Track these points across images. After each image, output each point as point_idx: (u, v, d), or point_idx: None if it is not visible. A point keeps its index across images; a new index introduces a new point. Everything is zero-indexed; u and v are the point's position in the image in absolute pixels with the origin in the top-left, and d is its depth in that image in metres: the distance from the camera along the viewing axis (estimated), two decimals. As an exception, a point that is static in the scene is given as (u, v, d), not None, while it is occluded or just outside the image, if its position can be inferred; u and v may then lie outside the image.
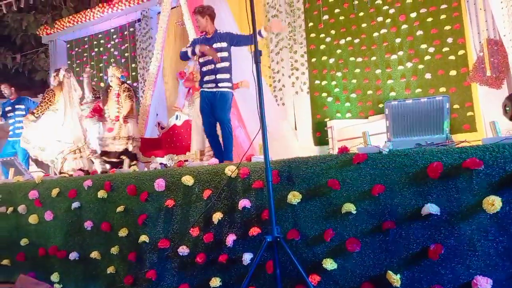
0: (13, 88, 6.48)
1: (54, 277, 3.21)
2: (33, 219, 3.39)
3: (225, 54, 3.68)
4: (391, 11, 5.76)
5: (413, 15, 5.60)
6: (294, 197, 2.23)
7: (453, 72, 5.27)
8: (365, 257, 2.04)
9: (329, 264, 2.07)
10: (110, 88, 5.01)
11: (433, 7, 5.46)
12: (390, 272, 1.93)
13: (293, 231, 2.22)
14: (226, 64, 3.68)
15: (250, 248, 2.39)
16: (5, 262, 3.54)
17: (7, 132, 6.46)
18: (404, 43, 5.67)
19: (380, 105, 5.77)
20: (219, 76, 3.66)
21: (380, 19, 5.85)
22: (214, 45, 3.64)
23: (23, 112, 6.35)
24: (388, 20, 5.79)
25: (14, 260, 3.51)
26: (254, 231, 2.34)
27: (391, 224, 1.99)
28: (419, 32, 5.53)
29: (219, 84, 3.67)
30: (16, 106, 6.39)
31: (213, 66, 3.66)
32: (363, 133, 2.20)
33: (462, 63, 5.23)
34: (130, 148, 4.84)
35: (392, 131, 2.23)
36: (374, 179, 2.07)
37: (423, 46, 5.50)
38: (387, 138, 2.28)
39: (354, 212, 2.07)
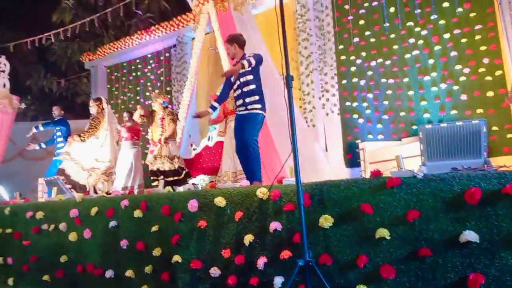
0: (62, 112, 6.86)
1: (91, 294, 3.32)
2: (72, 236, 3.54)
3: (249, 77, 3.76)
4: (424, 32, 5.72)
5: (447, 36, 5.53)
6: (326, 221, 2.22)
7: (490, 93, 5.11)
8: (400, 285, 1.98)
9: (363, 291, 2.03)
10: (154, 112, 5.28)
11: (468, 28, 5.37)
12: (427, 301, 1.87)
13: (325, 255, 2.20)
14: (252, 86, 3.77)
15: (281, 272, 2.37)
16: (46, 277, 3.70)
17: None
18: (437, 64, 5.59)
19: (414, 127, 5.67)
20: (247, 99, 3.75)
21: (412, 40, 5.81)
22: (240, 71, 3.75)
23: (60, 133, 6.71)
24: (421, 42, 5.74)
25: (54, 276, 3.65)
26: (286, 254, 2.33)
27: (428, 251, 1.93)
28: (453, 53, 5.44)
29: (249, 107, 3.76)
30: (57, 128, 6.77)
31: (239, 91, 3.78)
32: (396, 157, 2.18)
33: (499, 84, 5.07)
34: (177, 167, 5.01)
35: (426, 155, 2.20)
36: (409, 204, 2.03)
37: (458, 67, 5.39)
38: (422, 162, 2.24)
39: (388, 237, 2.03)
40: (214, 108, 4.03)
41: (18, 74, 11.79)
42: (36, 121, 11.22)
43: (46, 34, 8.80)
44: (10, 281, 3.99)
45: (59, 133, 6.71)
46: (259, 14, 7.19)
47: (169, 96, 8.25)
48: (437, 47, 5.60)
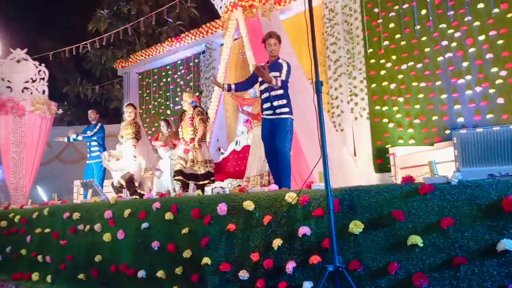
0: (98, 115, 7.14)
1: (123, 293, 3.42)
2: (107, 237, 3.66)
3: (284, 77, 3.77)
4: (457, 34, 5.56)
5: (482, 38, 5.35)
6: (356, 227, 2.20)
7: (529, 97, 4.90)
8: (434, 293, 1.94)
9: (394, 298, 1.99)
10: (185, 112, 5.29)
11: (504, 29, 5.18)
12: (462, 311, 1.82)
13: (355, 261, 2.18)
14: (280, 91, 3.78)
15: (310, 277, 2.36)
16: (81, 276, 3.83)
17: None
18: (472, 67, 5.42)
19: (447, 131, 5.50)
20: (275, 103, 3.76)
21: (444, 43, 5.66)
22: (278, 76, 3.76)
23: (96, 137, 6.97)
24: (454, 44, 5.58)
25: (89, 275, 3.78)
26: (315, 259, 2.32)
27: (463, 259, 1.88)
28: (489, 55, 5.26)
29: (277, 111, 3.77)
30: (92, 133, 7.04)
31: (267, 94, 3.79)
32: (429, 162, 2.13)
33: (539, 87, 4.86)
34: (211, 170, 5.06)
35: (461, 161, 2.14)
36: (442, 211, 1.98)
37: (494, 69, 5.20)
38: (456, 168, 2.18)
39: (421, 244, 1.98)
40: (229, 88, 4.00)
41: (56, 81, 12.40)
42: (72, 126, 11.74)
43: (82, 43, 9.21)
44: (48, 279, 4.16)
45: (94, 138, 6.97)
46: (286, 19, 7.22)
47: (196, 94, 8.37)
48: (471, 49, 5.43)
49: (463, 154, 2.17)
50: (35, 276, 4.32)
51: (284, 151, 3.68)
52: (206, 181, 4.97)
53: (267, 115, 3.83)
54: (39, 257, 4.36)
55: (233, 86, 4.03)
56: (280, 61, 3.83)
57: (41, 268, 4.35)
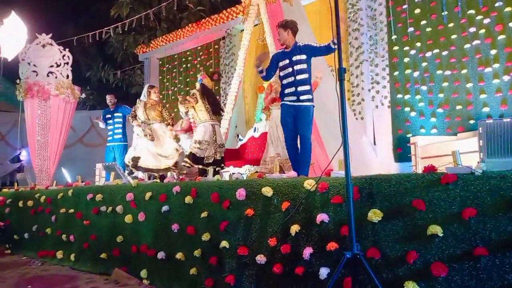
0: (116, 99, 7.31)
1: (143, 273, 3.51)
2: (128, 218, 3.78)
3: (303, 66, 3.71)
4: (486, 21, 5.35)
5: (512, 24, 5.14)
6: (375, 215, 2.19)
7: (560, 87, 4.70)
8: (452, 283, 1.92)
9: (412, 287, 1.99)
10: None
11: (537, 15, 4.95)
12: (481, 302, 1.80)
13: (373, 249, 2.18)
14: (305, 76, 3.72)
15: (327, 263, 2.38)
16: (103, 255, 3.98)
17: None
18: (500, 55, 5.22)
19: (471, 121, 5.36)
20: (299, 88, 3.71)
21: (472, 29, 5.46)
22: (294, 58, 3.72)
23: (121, 119, 7.13)
24: (482, 31, 5.38)
25: (111, 255, 3.92)
26: (332, 246, 2.33)
27: (484, 250, 1.85)
28: (519, 43, 5.05)
29: (301, 97, 3.72)
30: (115, 114, 7.20)
31: (292, 78, 3.73)
32: (453, 152, 2.09)
33: None
34: (194, 151, 4.79)
35: (486, 152, 2.09)
36: (465, 202, 1.95)
37: (524, 58, 5.00)
38: (480, 158, 2.13)
39: (441, 235, 1.96)
40: (261, 71, 3.88)
41: (79, 66, 12.63)
42: (94, 110, 11.99)
43: (105, 28, 9.31)
44: (72, 257, 4.34)
45: (119, 120, 7.13)
46: (308, 4, 7.10)
47: (216, 88, 8.35)
48: (500, 37, 5.23)
49: (488, 144, 2.11)
50: (59, 254, 4.51)
51: (309, 140, 3.67)
52: (186, 161, 4.77)
53: (290, 101, 3.77)
54: (64, 236, 4.53)
55: (264, 73, 3.94)
56: (301, 44, 3.78)
57: (65, 246, 4.53)
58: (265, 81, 4.40)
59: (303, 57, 3.72)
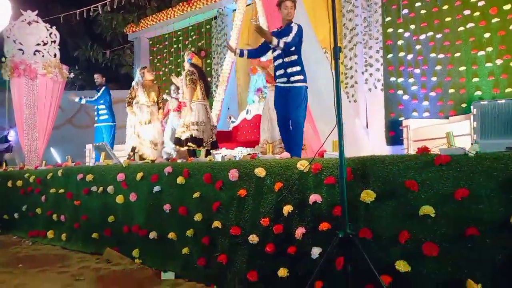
0: (104, 78, 7.16)
1: (135, 253, 3.52)
2: (119, 199, 3.75)
3: (292, 48, 3.68)
4: (481, 3, 5.32)
5: (507, 7, 5.13)
6: (368, 196, 2.19)
7: (552, 71, 4.73)
8: (443, 262, 1.95)
9: (403, 266, 2.01)
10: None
11: (532, -2, 4.93)
12: (470, 280, 1.83)
13: (365, 229, 2.19)
14: (294, 57, 3.69)
15: (319, 243, 2.39)
16: (95, 235, 3.96)
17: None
18: (494, 38, 5.22)
19: (463, 105, 5.39)
20: (289, 69, 3.69)
21: (467, 12, 5.43)
22: (284, 38, 3.65)
23: (102, 101, 7.00)
24: (477, 14, 5.35)
25: (102, 235, 3.91)
26: (324, 226, 2.35)
27: (475, 230, 1.87)
28: (514, 26, 5.04)
29: (291, 78, 3.70)
30: (98, 95, 7.06)
31: (281, 60, 3.71)
32: (447, 133, 2.09)
33: None
34: (195, 134, 4.74)
35: (480, 133, 2.09)
36: (458, 183, 1.96)
37: (518, 41, 5.00)
38: (474, 139, 2.14)
39: (433, 215, 1.98)
40: (241, 54, 3.89)
41: (66, 45, 12.30)
42: (83, 90, 11.77)
43: (93, 6, 9.04)
44: (63, 237, 4.31)
45: (102, 101, 7.00)
46: (302, -16, 6.95)
47: (208, 69, 8.24)
48: (495, 20, 5.21)
49: (482, 125, 2.11)
50: (50, 234, 4.49)
51: (298, 120, 3.65)
52: (190, 145, 4.71)
53: (281, 82, 3.77)
54: (54, 216, 4.50)
55: (245, 52, 3.93)
56: (292, 24, 3.72)
57: (56, 226, 4.50)
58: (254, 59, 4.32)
59: (290, 39, 3.65)
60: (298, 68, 3.70)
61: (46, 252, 4.08)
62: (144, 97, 5.61)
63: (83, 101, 7.04)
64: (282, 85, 3.76)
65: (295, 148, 3.67)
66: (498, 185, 1.87)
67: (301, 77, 3.70)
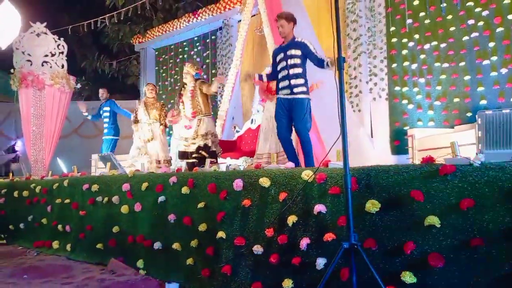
0: (108, 94, 7.26)
1: (140, 263, 3.51)
2: (124, 209, 3.76)
3: (297, 60, 3.72)
4: (485, 13, 5.33)
5: (511, 17, 5.12)
6: (373, 206, 2.18)
7: (558, 80, 4.71)
8: (449, 273, 1.93)
9: (408, 277, 1.99)
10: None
11: (536, 8, 4.94)
12: (477, 292, 1.81)
13: (371, 240, 2.18)
14: (299, 70, 3.73)
15: (324, 254, 2.38)
16: (99, 246, 3.97)
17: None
18: (498, 48, 5.21)
19: (468, 114, 5.37)
20: (293, 81, 3.72)
21: (471, 22, 5.44)
22: (288, 52, 3.74)
23: (108, 114, 7.08)
24: (481, 23, 5.36)
25: (107, 245, 3.91)
26: (329, 236, 2.33)
27: (480, 241, 1.85)
28: (518, 35, 5.04)
29: (294, 90, 3.73)
30: (104, 109, 7.15)
31: (286, 72, 3.75)
32: (451, 143, 2.08)
33: None
34: (210, 144, 4.84)
35: (484, 143, 2.08)
36: (463, 193, 1.95)
37: (523, 50, 4.99)
38: (478, 149, 2.13)
39: (438, 225, 1.96)
40: (261, 77, 4.04)
41: (74, 56, 12.47)
42: (89, 101, 11.89)
43: (101, 18, 9.19)
44: (68, 247, 4.32)
45: (107, 114, 7.09)
46: (306, -5, 7.02)
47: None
48: (499, 29, 5.21)
49: (487, 135, 2.11)
50: (55, 244, 4.50)
51: (305, 133, 3.67)
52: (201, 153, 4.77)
53: (284, 94, 3.79)
54: (59, 227, 4.51)
55: (264, 78, 4.04)
56: (299, 40, 3.78)
57: (61, 237, 4.51)
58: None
59: (298, 52, 3.75)
60: (302, 81, 3.74)
61: (51, 263, 4.08)
62: (144, 116, 5.69)
63: (89, 117, 7.16)
64: (284, 96, 3.79)
65: (307, 158, 3.67)
66: (503, 195, 1.86)
67: (304, 89, 3.73)
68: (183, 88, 5.09)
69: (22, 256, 4.47)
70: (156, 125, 5.72)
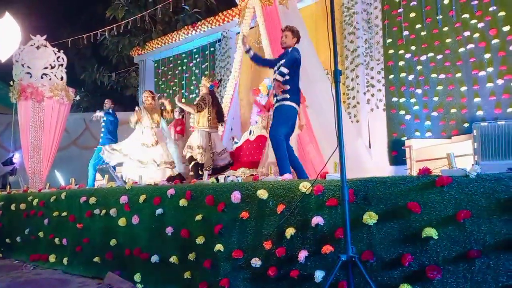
0: (113, 105, 7.24)
1: (137, 277, 3.46)
2: (122, 221, 3.73)
3: (284, 70, 3.72)
4: (480, 25, 5.40)
5: (506, 29, 5.19)
6: (370, 218, 2.18)
7: (553, 91, 4.74)
8: (447, 285, 1.92)
9: (406, 290, 1.98)
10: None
11: (530, 20, 5.00)
12: (476, 305, 1.79)
13: (368, 252, 2.17)
14: (283, 78, 3.73)
15: (322, 266, 2.37)
16: (96, 259, 3.93)
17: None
18: (494, 59, 5.26)
19: (465, 125, 5.39)
20: (277, 89, 3.74)
21: (467, 33, 5.51)
22: (280, 62, 3.78)
23: (104, 123, 7.07)
24: (477, 35, 5.42)
25: (104, 258, 3.87)
26: (327, 249, 2.33)
27: (477, 253, 1.85)
28: (513, 47, 5.09)
29: (278, 97, 3.77)
30: (104, 118, 7.14)
31: (274, 81, 3.79)
32: (447, 154, 2.09)
33: None
34: (198, 157, 4.97)
35: (480, 154, 2.09)
36: (459, 204, 1.95)
37: (518, 61, 5.04)
38: (474, 161, 2.14)
39: (436, 237, 1.96)
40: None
41: (74, 68, 12.55)
42: (88, 112, 11.92)
43: (100, 30, 9.27)
44: (65, 261, 4.28)
45: (103, 124, 7.07)
46: (304, 8, 7.12)
47: (217, 79, 8.30)
48: (494, 41, 5.27)
49: (483, 147, 2.12)
50: (52, 258, 4.45)
51: (273, 134, 3.60)
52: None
53: (274, 103, 3.86)
54: (56, 240, 4.48)
55: (252, 53, 4.04)
56: (289, 49, 3.83)
57: (58, 250, 4.47)
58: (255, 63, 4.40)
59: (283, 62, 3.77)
60: (287, 87, 3.70)
61: (47, 277, 4.04)
62: (147, 120, 5.68)
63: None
64: (274, 106, 3.85)
65: (282, 167, 3.58)
66: (499, 206, 1.86)
67: (286, 95, 3.70)
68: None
69: (19, 270, 4.43)
70: (158, 128, 5.75)
